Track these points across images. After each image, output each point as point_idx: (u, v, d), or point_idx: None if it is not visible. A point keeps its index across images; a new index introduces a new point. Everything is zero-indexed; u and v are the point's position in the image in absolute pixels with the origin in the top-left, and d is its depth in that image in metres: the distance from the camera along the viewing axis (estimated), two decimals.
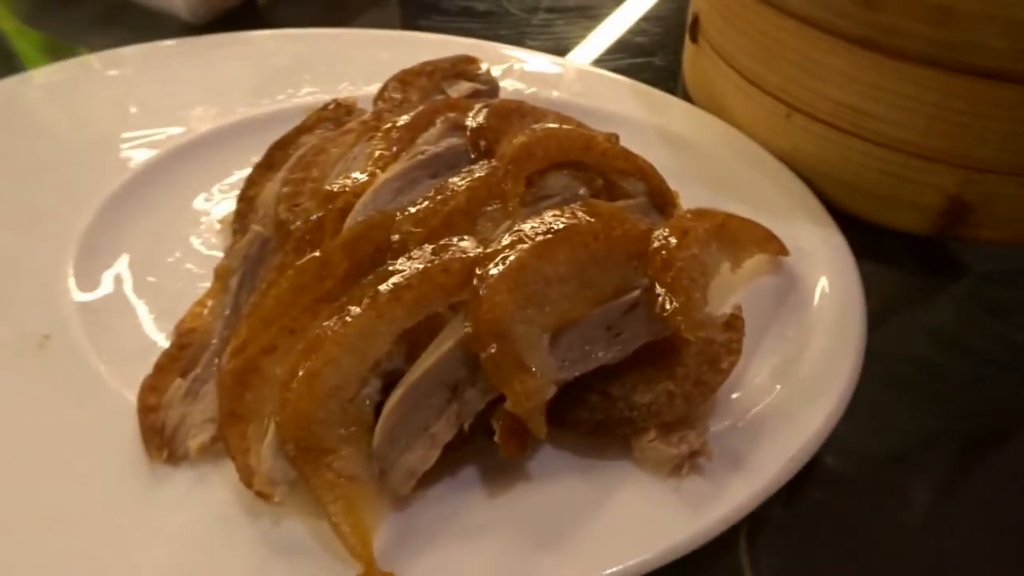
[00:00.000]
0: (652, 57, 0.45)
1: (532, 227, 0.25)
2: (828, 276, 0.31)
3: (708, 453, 0.24)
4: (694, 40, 0.40)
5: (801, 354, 0.28)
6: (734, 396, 0.27)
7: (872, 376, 0.31)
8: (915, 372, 0.32)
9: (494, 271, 0.24)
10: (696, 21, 0.39)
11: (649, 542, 0.23)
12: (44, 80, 0.41)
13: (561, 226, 0.25)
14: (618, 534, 0.23)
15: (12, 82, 0.40)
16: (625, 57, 0.46)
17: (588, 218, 0.26)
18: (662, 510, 0.24)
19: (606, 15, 0.49)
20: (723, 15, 0.36)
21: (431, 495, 0.24)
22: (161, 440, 0.25)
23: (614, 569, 0.22)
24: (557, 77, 0.40)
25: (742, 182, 0.35)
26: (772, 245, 0.31)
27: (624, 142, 0.34)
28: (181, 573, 0.23)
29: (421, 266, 0.24)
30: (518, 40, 0.47)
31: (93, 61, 0.42)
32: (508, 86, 0.39)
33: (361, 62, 0.41)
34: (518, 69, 0.40)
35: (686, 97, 0.41)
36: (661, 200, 0.31)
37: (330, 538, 0.23)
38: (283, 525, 0.24)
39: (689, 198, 0.34)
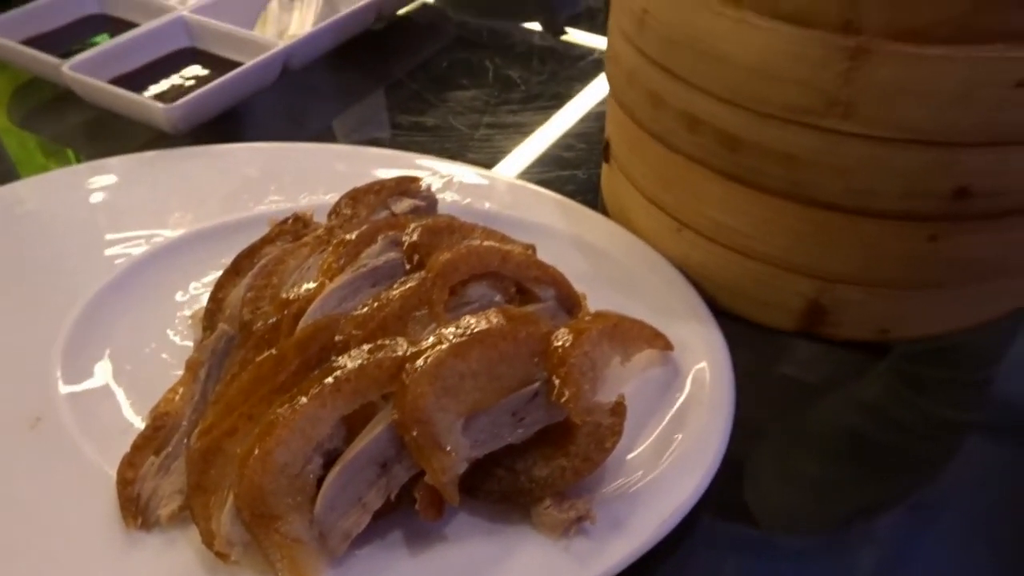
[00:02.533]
0: (576, 171, 0.52)
1: (452, 330, 0.31)
2: (706, 365, 0.37)
3: (592, 517, 0.30)
4: (607, 161, 0.46)
5: (678, 432, 0.34)
6: (620, 468, 0.32)
7: (812, 448, 0.36)
8: (849, 444, 0.38)
9: (418, 367, 0.30)
10: (608, 145, 0.46)
11: None
12: (37, 187, 0.46)
13: (476, 329, 0.31)
14: None
15: (8, 189, 0.46)
16: (553, 170, 0.52)
17: (500, 322, 0.32)
18: (554, 566, 0.29)
19: (538, 131, 0.56)
20: (627, 144, 0.43)
21: (362, 554, 0.29)
22: (136, 509, 0.30)
23: None
24: (489, 189, 0.46)
25: (642, 285, 0.41)
26: (659, 341, 0.37)
27: (543, 249, 0.41)
28: None
29: (359, 363, 0.30)
30: (461, 152, 0.54)
31: (82, 170, 0.47)
32: (447, 198, 0.45)
33: (320, 173, 0.47)
34: (456, 182, 0.47)
35: (603, 208, 0.47)
36: (568, 303, 0.37)
37: None
38: None
39: (598, 299, 0.40)
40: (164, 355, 0.37)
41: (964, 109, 0.31)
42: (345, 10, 0.61)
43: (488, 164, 0.52)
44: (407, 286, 0.33)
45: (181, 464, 0.31)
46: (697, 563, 0.33)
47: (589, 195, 0.49)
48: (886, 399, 0.40)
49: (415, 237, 0.35)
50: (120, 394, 0.35)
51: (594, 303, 0.39)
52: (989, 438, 0.39)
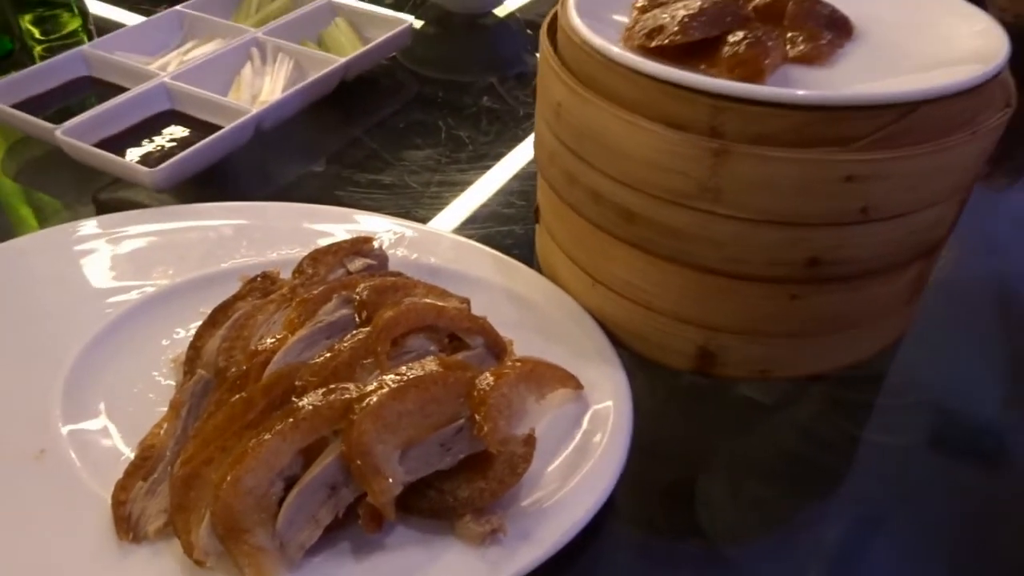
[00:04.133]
0: (515, 226, 0.59)
1: (392, 377, 0.38)
2: (611, 403, 0.43)
3: (504, 530, 0.36)
4: (537, 222, 0.53)
5: (583, 458, 0.41)
6: (532, 488, 0.39)
7: (754, 469, 0.44)
8: (786, 465, 0.45)
9: (363, 408, 0.36)
10: (537, 208, 0.53)
11: None
12: (36, 243, 0.52)
13: (412, 376, 0.38)
14: None
15: (8, 245, 0.52)
16: (495, 225, 0.59)
17: (433, 369, 0.38)
18: (473, 569, 0.36)
19: (482, 189, 0.63)
20: (551, 210, 0.50)
21: (315, 560, 0.36)
22: (128, 525, 0.36)
23: None
24: (435, 246, 0.53)
25: (563, 332, 0.48)
26: (570, 382, 0.44)
27: (479, 299, 0.48)
28: None
29: (314, 404, 0.36)
30: (414, 208, 0.60)
31: (75, 228, 0.53)
32: (399, 253, 0.52)
33: (286, 231, 0.54)
34: (407, 239, 0.53)
35: (536, 261, 0.54)
36: (495, 349, 0.44)
37: None
38: None
39: (524, 344, 0.47)
40: (151, 395, 0.43)
41: (805, 197, 0.39)
42: (312, 76, 0.68)
43: (435, 220, 0.59)
44: (356, 339, 0.39)
45: (165, 488, 0.37)
46: (602, 569, 0.40)
47: (525, 249, 0.56)
48: (816, 422, 0.47)
49: (364, 296, 0.42)
50: (113, 429, 0.41)
51: (520, 348, 0.46)
52: (910, 455, 0.46)
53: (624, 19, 0.46)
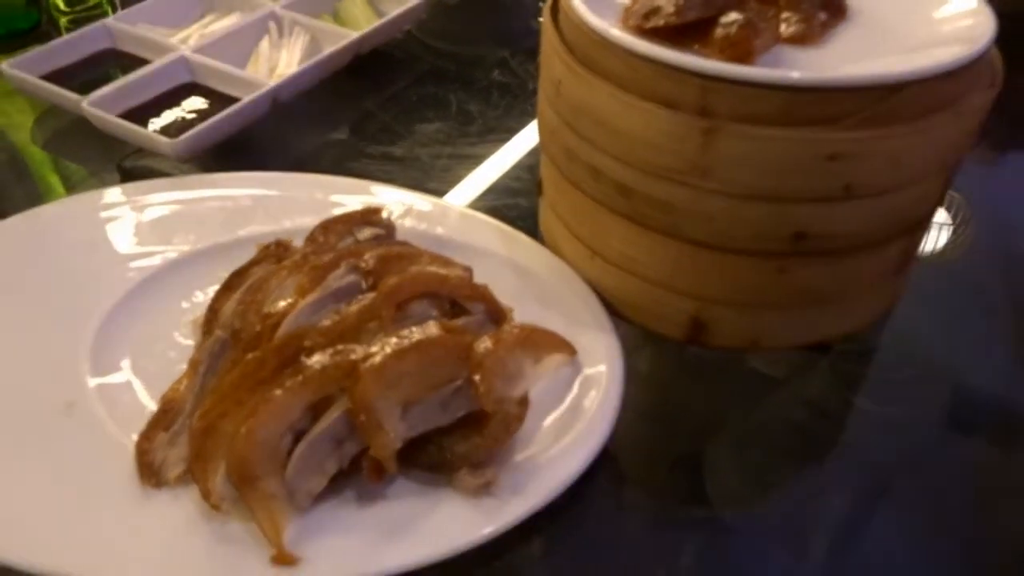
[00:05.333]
0: (521, 199, 0.61)
1: (395, 339, 0.40)
2: (604, 368, 0.46)
3: (496, 482, 0.39)
4: (540, 195, 0.56)
5: (574, 419, 0.43)
6: (525, 446, 0.42)
7: (762, 441, 0.46)
8: (794, 437, 0.47)
9: (367, 367, 0.39)
10: (540, 182, 0.55)
11: (458, 536, 0.38)
12: (65, 209, 0.55)
13: (414, 339, 0.40)
14: (439, 530, 0.38)
15: (39, 211, 0.55)
16: (502, 198, 0.61)
17: (433, 333, 0.41)
18: (467, 518, 0.38)
19: (491, 162, 0.65)
20: (553, 185, 0.52)
21: (322, 507, 0.38)
22: (151, 472, 0.39)
23: (435, 551, 0.37)
24: (442, 217, 0.55)
25: (561, 301, 0.50)
26: (566, 348, 0.46)
27: (482, 269, 0.50)
28: (162, 551, 0.36)
29: (322, 364, 0.39)
30: (424, 180, 0.63)
31: (101, 195, 0.56)
32: (407, 223, 0.54)
33: (300, 200, 0.56)
34: (415, 211, 0.56)
35: (539, 233, 0.57)
36: (495, 316, 0.47)
37: (257, 533, 0.37)
38: (229, 525, 0.37)
39: (523, 312, 0.49)
40: (171, 353, 0.46)
41: (790, 175, 0.40)
42: (328, 49, 0.70)
43: (446, 192, 0.62)
44: (362, 304, 0.42)
45: (184, 439, 0.40)
46: (588, 522, 0.42)
47: (529, 221, 0.58)
48: (824, 396, 0.50)
49: (371, 264, 0.44)
50: (137, 384, 0.44)
51: (520, 315, 0.49)
52: (912, 430, 0.48)
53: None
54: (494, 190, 0.62)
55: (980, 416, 0.50)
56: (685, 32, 0.44)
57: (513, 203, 0.61)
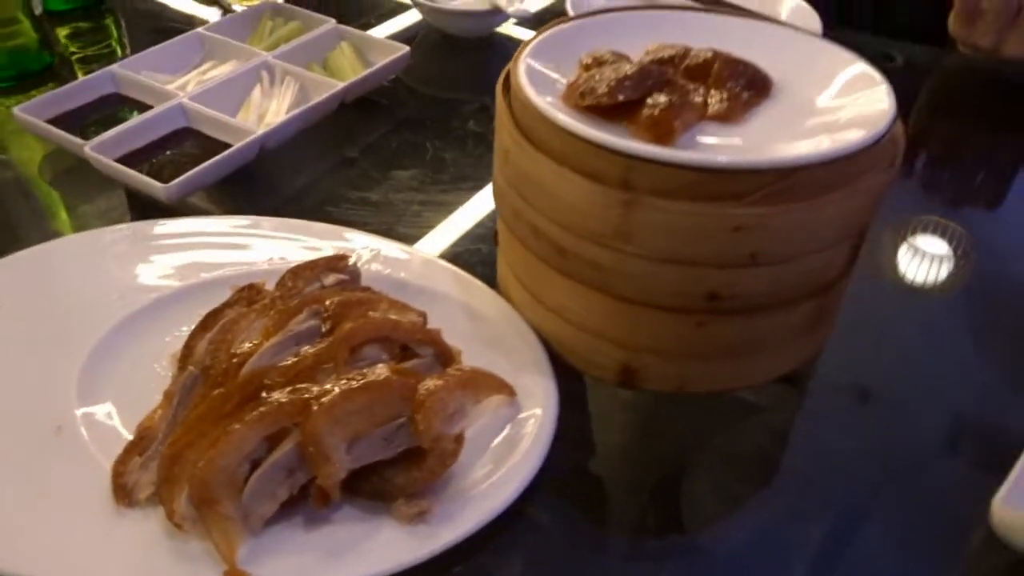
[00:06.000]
0: (482, 245, 0.66)
1: (346, 381, 0.45)
2: (540, 410, 0.51)
3: (430, 511, 0.44)
4: (496, 244, 0.61)
5: (508, 455, 0.48)
6: (460, 479, 0.46)
7: (733, 468, 0.51)
8: (760, 466, 0.53)
9: (319, 405, 0.44)
10: (496, 233, 0.60)
11: (392, 559, 0.42)
12: (61, 249, 0.60)
13: (363, 381, 0.45)
14: (376, 553, 0.42)
15: (39, 250, 0.60)
16: (466, 243, 0.66)
17: (381, 375, 0.46)
18: (401, 542, 0.43)
19: (459, 209, 0.70)
20: (504, 236, 0.57)
21: (273, 530, 0.43)
22: (124, 493, 0.44)
23: (370, 571, 0.42)
24: (406, 263, 0.60)
25: (508, 345, 0.55)
26: (505, 389, 0.51)
27: (438, 312, 0.55)
28: (129, 564, 0.41)
29: (279, 401, 0.44)
30: (395, 224, 0.68)
31: (97, 235, 0.61)
32: (374, 267, 0.60)
33: (277, 244, 0.61)
34: (382, 256, 0.61)
35: (497, 278, 0.61)
36: (443, 358, 0.52)
37: (214, 552, 0.42)
38: (189, 543, 0.42)
39: (472, 354, 0.54)
40: (152, 384, 0.50)
41: (701, 243, 0.45)
42: (315, 99, 0.75)
43: (415, 236, 0.67)
44: (320, 347, 0.47)
45: (156, 464, 0.45)
46: (516, 550, 0.47)
47: (490, 267, 0.63)
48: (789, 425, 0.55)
49: (330, 310, 0.49)
50: (117, 412, 0.49)
51: (468, 357, 0.54)
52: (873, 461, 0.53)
53: (571, 76, 0.53)
54: (460, 236, 0.67)
55: (965, 442, 0.55)
56: (618, 110, 0.49)
57: (476, 249, 0.66)
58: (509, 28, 0.97)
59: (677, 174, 0.44)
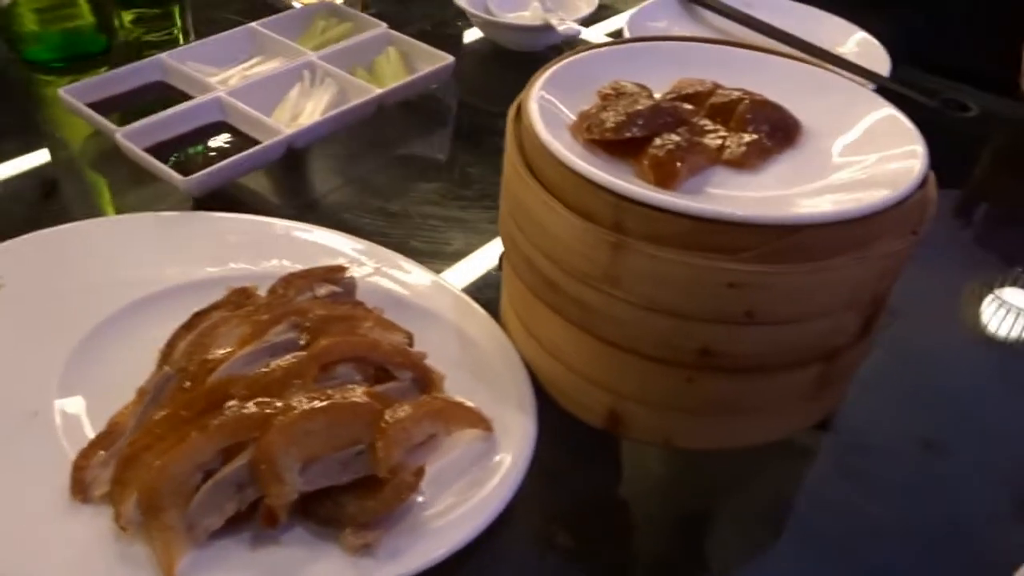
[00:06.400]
0: (491, 267, 0.64)
1: (310, 399, 0.44)
2: (512, 450, 0.49)
3: (375, 544, 0.42)
4: (500, 269, 0.59)
5: (472, 493, 0.46)
6: (417, 513, 0.45)
7: (762, 522, 0.49)
8: (791, 522, 0.50)
9: (278, 422, 0.43)
10: (501, 259, 0.58)
11: None
12: (70, 234, 0.61)
13: (326, 401, 0.44)
14: None
15: (50, 232, 0.61)
16: (475, 265, 0.64)
17: (345, 397, 0.45)
18: (345, 573, 0.42)
19: (475, 228, 0.68)
20: (506, 264, 0.55)
21: (217, 544, 0.42)
22: (81, 487, 0.44)
23: None
24: (408, 281, 0.59)
25: (494, 376, 0.53)
26: (481, 424, 0.49)
27: (429, 333, 0.54)
28: (70, 560, 0.41)
29: (240, 413, 0.43)
30: (408, 238, 0.67)
31: (108, 222, 0.62)
32: (374, 281, 0.59)
33: (283, 246, 0.61)
34: (385, 269, 0.60)
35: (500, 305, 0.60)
36: (422, 383, 0.50)
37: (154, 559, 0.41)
38: (133, 547, 0.42)
39: (456, 381, 0.52)
40: (134, 380, 0.50)
41: (691, 296, 0.43)
42: (352, 102, 0.75)
43: (427, 253, 0.65)
44: (291, 361, 0.46)
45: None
46: None
47: (494, 290, 0.61)
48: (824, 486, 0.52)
49: (310, 323, 0.49)
50: (93, 403, 0.49)
51: (451, 384, 0.52)
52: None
53: (585, 106, 0.51)
54: (470, 255, 0.66)
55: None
56: (626, 146, 0.47)
57: (484, 270, 0.64)
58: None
59: (669, 220, 0.42)
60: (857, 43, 0.87)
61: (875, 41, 0.86)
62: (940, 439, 0.56)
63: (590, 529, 0.50)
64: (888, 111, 0.50)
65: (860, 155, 0.48)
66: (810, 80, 0.54)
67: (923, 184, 0.45)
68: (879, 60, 0.84)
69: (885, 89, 0.76)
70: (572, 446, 0.53)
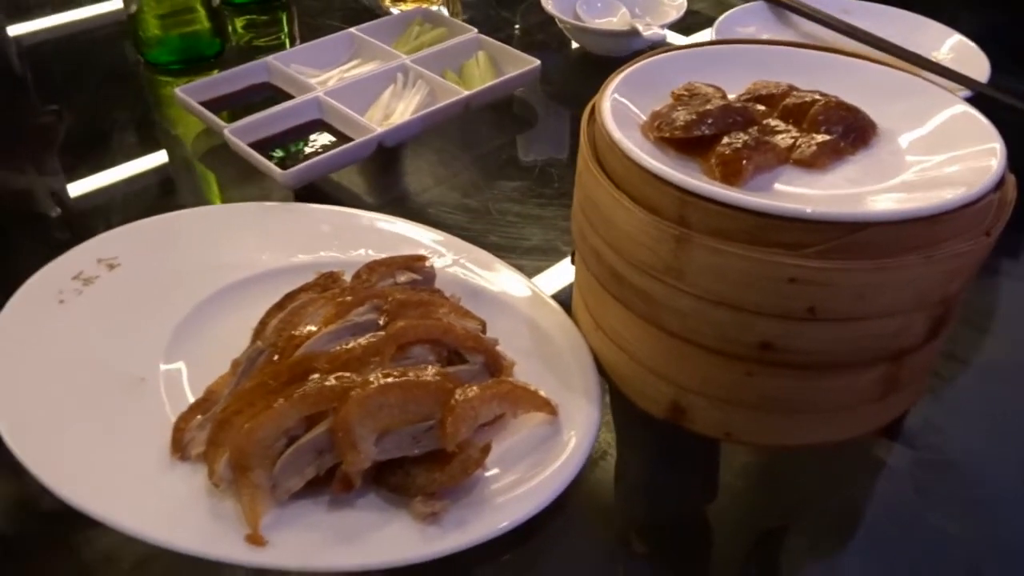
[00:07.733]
0: (566, 262, 0.66)
1: (386, 376, 0.47)
2: (577, 432, 0.51)
3: (442, 514, 0.45)
4: (572, 263, 0.61)
5: (535, 473, 0.48)
6: (482, 487, 0.47)
7: (836, 534, 0.49)
8: (862, 539, 0.49)
9: (356, 395, 0.46)
10: (573, 253, 0.60)
11: (394, 553, 0.44)
12: (182, 220, 0.67)
13: (401, 378, 0.47)
14: (382, 544, 0.44)
15: (166, 218, 0.67)
16: (550, 259, 0.67)
17: (419, 376, 0.48)
18: (409, 538, 0.45)
19: (552, 225, 0.71)
20: (578, 257, 0.57)
21: (297, 503, 0.46)
22: (180, 446, 0.48)
23: (372, 560, 0.44)
24: (485, 272, 0.62)
25: (563, 364, 0.55)
26: (546, 407, 0.51)
27: (502, 322, 0.56)
28: (170, 510, 0.46)
29: (322, 385, 0.47)
30: (488, 232, 0.69)
31: (215, 210, 0.68)
32: (453, 271, 0.62)
33: (370, 236, 0.65)
34: (463, 261, 0.63)
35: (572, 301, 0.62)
36: (492, 368, 0.52)
37: (242, 514, 0.45)
38: (224, 502, 0.46)
39: (525, 367, 0.54)
40: (230, 353, 0.55)
41: (753, 290, 0.44)
42: (440, 103, 0.79)
43: (505, 247, 0.68)
44: (371, 341, 0.49)
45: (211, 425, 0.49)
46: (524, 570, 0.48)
47: (568, 284, 0.63)
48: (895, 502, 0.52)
49: (390, 306, 0.52)
50: (195, 373, 0.54)
51: (520, 371, 0.54)
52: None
53: (659, 106, 0.52)
54: (546, 250, 0.68)
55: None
56: (695, 144, 0.48)
57: (558, 266, 0.66)
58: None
59: (731, 215, 0.43)
60: (953, 47, 0.85)
61: (974, 46, 0.84)
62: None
63: (642, 517, 0.51)
64: (965, 109, 0.50)
65: (935, 154, 0.48)
66: (891, 83, 0.54)
67: (1000, 184, 0.45)
68: (978, 65, 0.82)
69: (982, 95, 0.75)
70: (635, 436, 0.54)
